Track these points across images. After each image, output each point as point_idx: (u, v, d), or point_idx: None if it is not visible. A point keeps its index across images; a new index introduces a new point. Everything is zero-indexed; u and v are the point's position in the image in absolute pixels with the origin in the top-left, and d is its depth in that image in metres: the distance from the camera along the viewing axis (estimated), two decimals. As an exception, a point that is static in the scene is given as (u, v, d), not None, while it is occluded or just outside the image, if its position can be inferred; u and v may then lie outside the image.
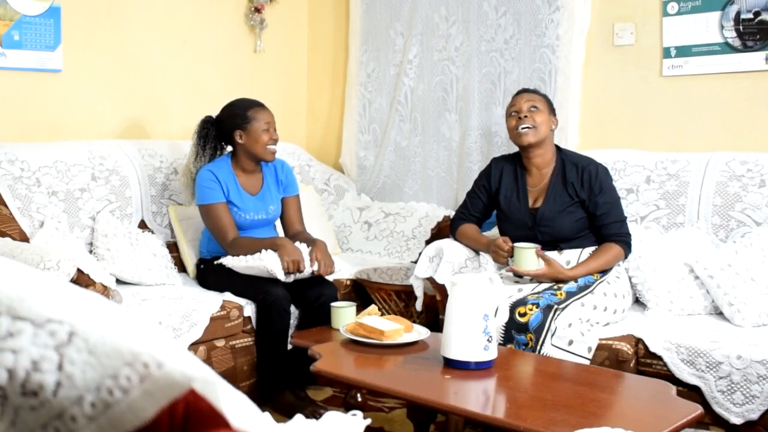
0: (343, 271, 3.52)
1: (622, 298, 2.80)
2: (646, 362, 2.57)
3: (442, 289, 2.92)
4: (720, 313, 2.78)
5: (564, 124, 3.49)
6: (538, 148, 2.95)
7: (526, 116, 2.92)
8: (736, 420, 2.38)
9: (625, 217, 2.92)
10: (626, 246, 2.86)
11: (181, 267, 3.41)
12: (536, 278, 2.81)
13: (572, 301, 2.63)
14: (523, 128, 2.92)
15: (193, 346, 2.83)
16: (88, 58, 3.57)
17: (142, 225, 3.41)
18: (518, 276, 2.87)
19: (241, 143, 3.17)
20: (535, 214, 2.93)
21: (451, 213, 3.84)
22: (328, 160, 4.49)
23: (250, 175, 3.25)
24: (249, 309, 3.04)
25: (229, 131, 3.20)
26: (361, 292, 3.48)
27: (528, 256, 2.77)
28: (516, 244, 2.82)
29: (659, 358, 2.54)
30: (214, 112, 3.31)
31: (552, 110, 3.01)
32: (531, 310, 2.57)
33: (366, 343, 2.45)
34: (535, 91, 3.05)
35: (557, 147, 3.03)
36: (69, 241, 3.02)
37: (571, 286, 2.74)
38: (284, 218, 3.34)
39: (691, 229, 3.02)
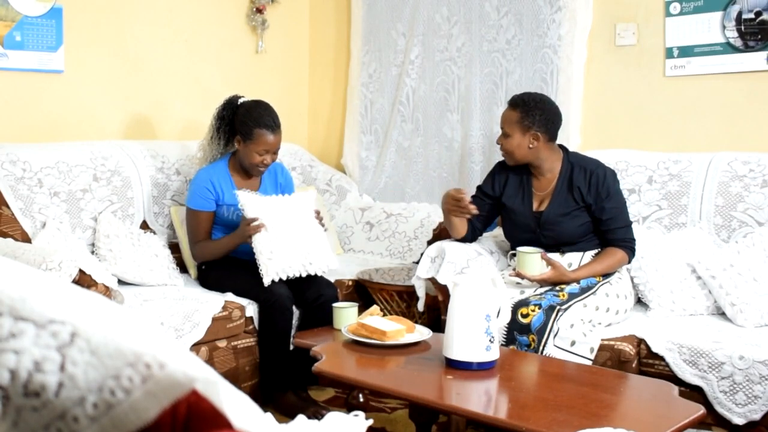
0: (345, 271, 3.53)
1: (624, 298, 2.80)
2: (649, 363, 2.57)
3: (444, 290, 2.91)
4: (722, 314, 2.78)
5: (566, 124, 3.46)
6: (534, 161, 2.93)
7: (500, 143, 2.97)
8: (739, 420, 2.38)
9: (631, 222, 2.90)
10: (630, 251, 2.85)
11: (183, 268, 3.41)
12: (540, 283, 2.80)
13: (574, 302, 2.63)
14: (501, 151, 2.99)
15: (195, 347, 2.83)
16: (90, 58, 3.58)
17: (144, 226, 3.41)
18: (520, 279, 2.87)
19: (238, 148, 3.19)
20: (539, 217, 2.92)
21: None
22: (330, 160, 4.49)
23: (248, 178, 3.26)
24: (251, 309, 3.04)
25: (235, 129, 3.21)
26: (363, 293, 3.48)
27: (533, 260, 2.77)
28: (519, 249, 2.82)
29: (661, 358, 2.53)
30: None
31: (531, 126, 2.85)
32: (533, 310, 2.57)
33: (368, 344, 2.45)
34: (515, 106, 2.91)
35: (565, 150, 3.00)
36: (71, 241, 3.02)
37: (574, 287, 2.73)
38: None
39: (693, 230, 3.02)
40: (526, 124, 2.87)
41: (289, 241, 3.01)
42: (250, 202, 3.01)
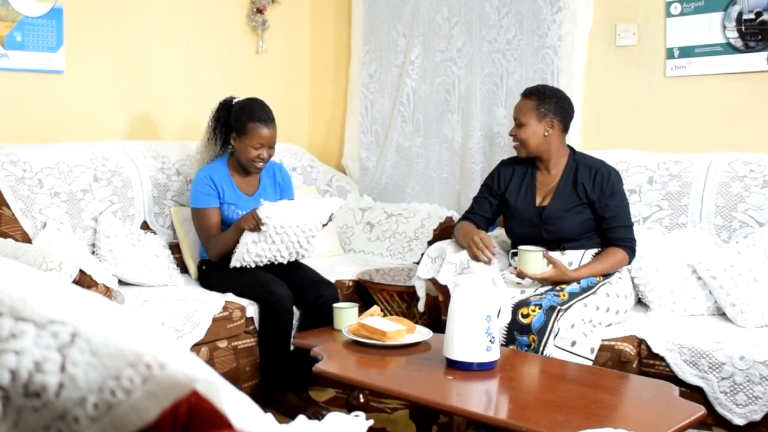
0: (346, 272, 3.53)
1: (624, 298, 2.80)
2: (649, 363, 2.57)
3: (444, 290, 2.91)
4: (723, 314, 2.78)
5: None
6: (545, 153, 2.94)
7: (513, 134, 2.98)
8: (739, 421, 2.38)
9: (632, 223, 2.91)
10: (631, 252, 2.86)
11: (183, 268, 3.41)
12: (541, 282, 2.80)
13: (575, 302, 2.63)
14: (513, 143, 3.01)
15: (196, 347, 2.83)
16: (91, 59, 3.58)
17: (145, 226, 3.41)
18: (521, 278, 2.87)
19: (234, 146, 3.20)
20: (541, 212, 2.93)
21: (453, 213, 3.84)
22: (331, 161, 4.49)
23: (246, 176, 3.26)
24: (251, 310, 3.04)
25: (230, 128, 3.22)
26: (364, 293, 3.48)
27: (534, 259, 2.77)
28: (521, 247, 2.82)
29: (662, 358, 2.53)
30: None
31: (547, 112, 2.90)
32: (534, 311, 2.57)
33: (368, 344, 2.45)
34: (529, 95, 2.96)
35: (571, 149, 3.01)
36: (71, 242, 3.03)
37: (574, 287, 2.74)
38: None
39: (694, 230, 3.02)
40: (542, 111, 2.91)
41: (273, 244, 3.04)
42: (269, 211, 2.96)
